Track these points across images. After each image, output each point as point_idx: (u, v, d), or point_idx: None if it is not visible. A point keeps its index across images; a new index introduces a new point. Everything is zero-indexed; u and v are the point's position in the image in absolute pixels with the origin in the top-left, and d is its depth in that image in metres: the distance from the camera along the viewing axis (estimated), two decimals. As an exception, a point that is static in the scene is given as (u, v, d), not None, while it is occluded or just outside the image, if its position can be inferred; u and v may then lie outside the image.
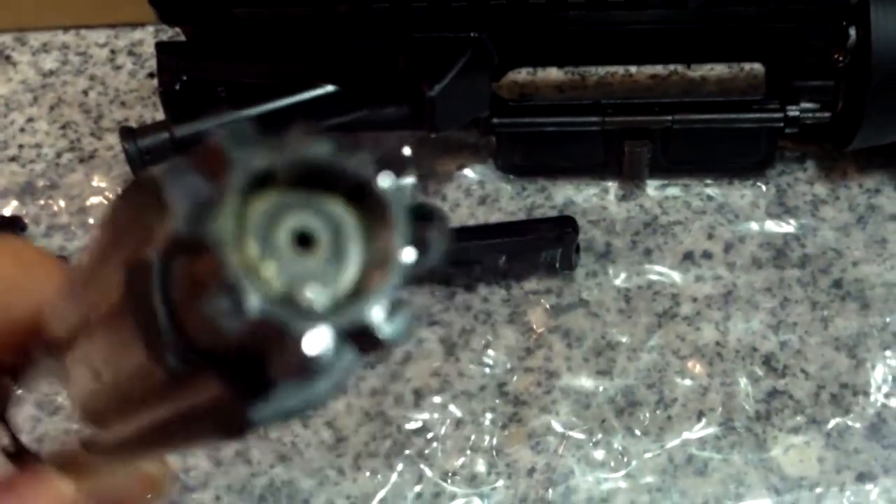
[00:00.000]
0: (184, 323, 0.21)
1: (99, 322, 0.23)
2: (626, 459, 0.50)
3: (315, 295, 0.19)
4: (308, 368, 0.19)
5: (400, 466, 0.51)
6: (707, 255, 0.55)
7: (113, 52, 0.65)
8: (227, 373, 0.20)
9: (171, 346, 0.21)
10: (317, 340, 0.19)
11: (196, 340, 0.21)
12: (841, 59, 0.53)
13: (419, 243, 0.20)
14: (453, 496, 0.50)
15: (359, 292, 0.20)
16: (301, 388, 0.20)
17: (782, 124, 0.55)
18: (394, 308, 0.20)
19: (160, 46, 0.56)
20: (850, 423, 0.50)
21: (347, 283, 0.20)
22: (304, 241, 0.20)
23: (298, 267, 0.20)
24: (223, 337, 0.19)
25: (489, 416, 0.52)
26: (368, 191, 0.20)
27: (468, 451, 0.51)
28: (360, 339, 0.19)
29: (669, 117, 0.55)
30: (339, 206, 0.20)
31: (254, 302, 0.19)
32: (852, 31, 0.52)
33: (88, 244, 0.27)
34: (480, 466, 0.51)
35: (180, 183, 0.19)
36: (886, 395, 0.51)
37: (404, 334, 0.19)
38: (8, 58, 0.65)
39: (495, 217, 0.57)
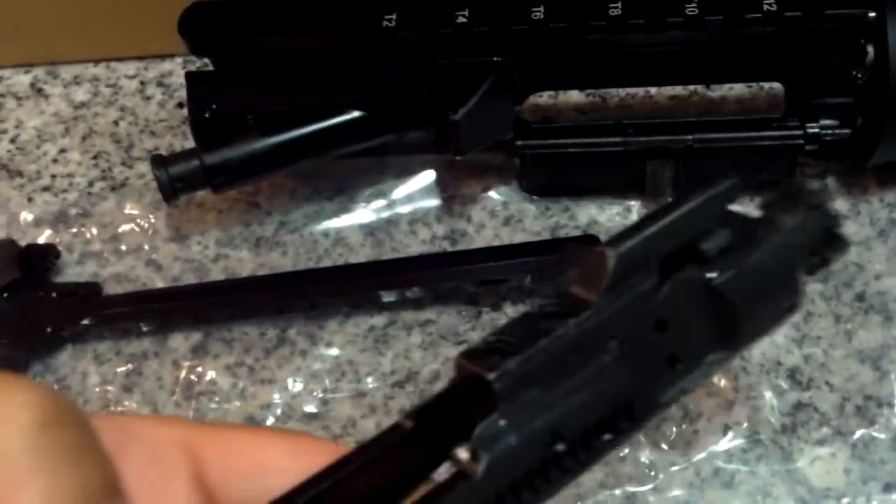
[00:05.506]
0: None
1: None
2: (653, 473, 0.51)
3: None
4: None
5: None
6: (730, 272, 0.56)
7: (142, 83, 0.66)
8: None
9: None
10: None
11: None
12: (859, 75, 0.53)
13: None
14: (483, 512, 0.50)
15: None
16: None
17: (802, 141, 0.55)
18: None
19: (190, 76, 0.58)
20: (875, 434, 0.51)
21: None
22: None
23: None
24: None
25: (517, 432, 0.52)
26: None
27: (497, 468, 0.51)
28: None
29: (690, 136, 0.55)
30: None
31: None
32: (870, 48, 0.53)
33: None
34: (509, 482, 0.51)
35: None
36: (911, 407, 0.52)
37: None
38: (40, 90, 0.66)
39: (520, 237, 0.58)
